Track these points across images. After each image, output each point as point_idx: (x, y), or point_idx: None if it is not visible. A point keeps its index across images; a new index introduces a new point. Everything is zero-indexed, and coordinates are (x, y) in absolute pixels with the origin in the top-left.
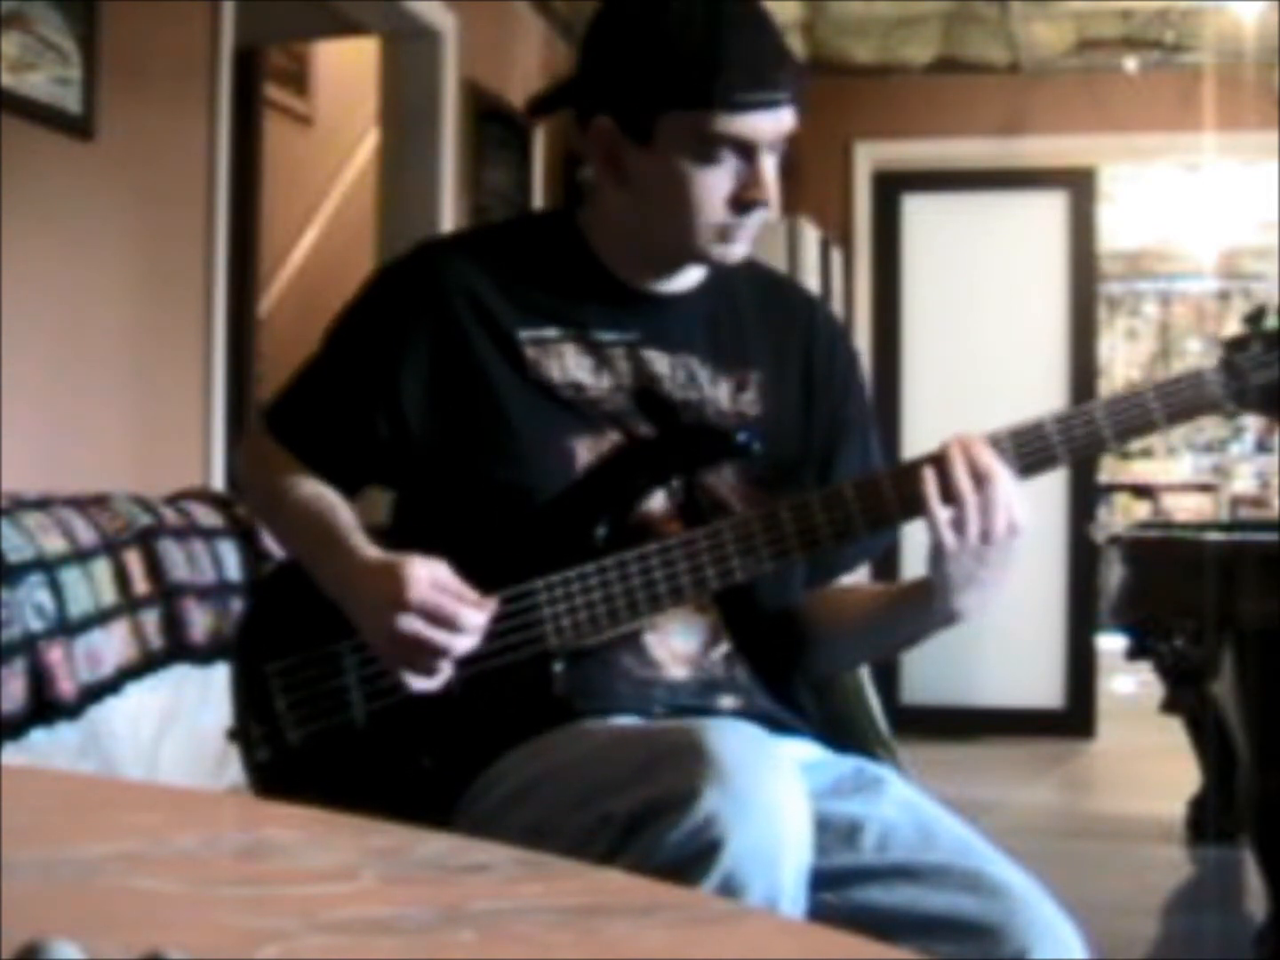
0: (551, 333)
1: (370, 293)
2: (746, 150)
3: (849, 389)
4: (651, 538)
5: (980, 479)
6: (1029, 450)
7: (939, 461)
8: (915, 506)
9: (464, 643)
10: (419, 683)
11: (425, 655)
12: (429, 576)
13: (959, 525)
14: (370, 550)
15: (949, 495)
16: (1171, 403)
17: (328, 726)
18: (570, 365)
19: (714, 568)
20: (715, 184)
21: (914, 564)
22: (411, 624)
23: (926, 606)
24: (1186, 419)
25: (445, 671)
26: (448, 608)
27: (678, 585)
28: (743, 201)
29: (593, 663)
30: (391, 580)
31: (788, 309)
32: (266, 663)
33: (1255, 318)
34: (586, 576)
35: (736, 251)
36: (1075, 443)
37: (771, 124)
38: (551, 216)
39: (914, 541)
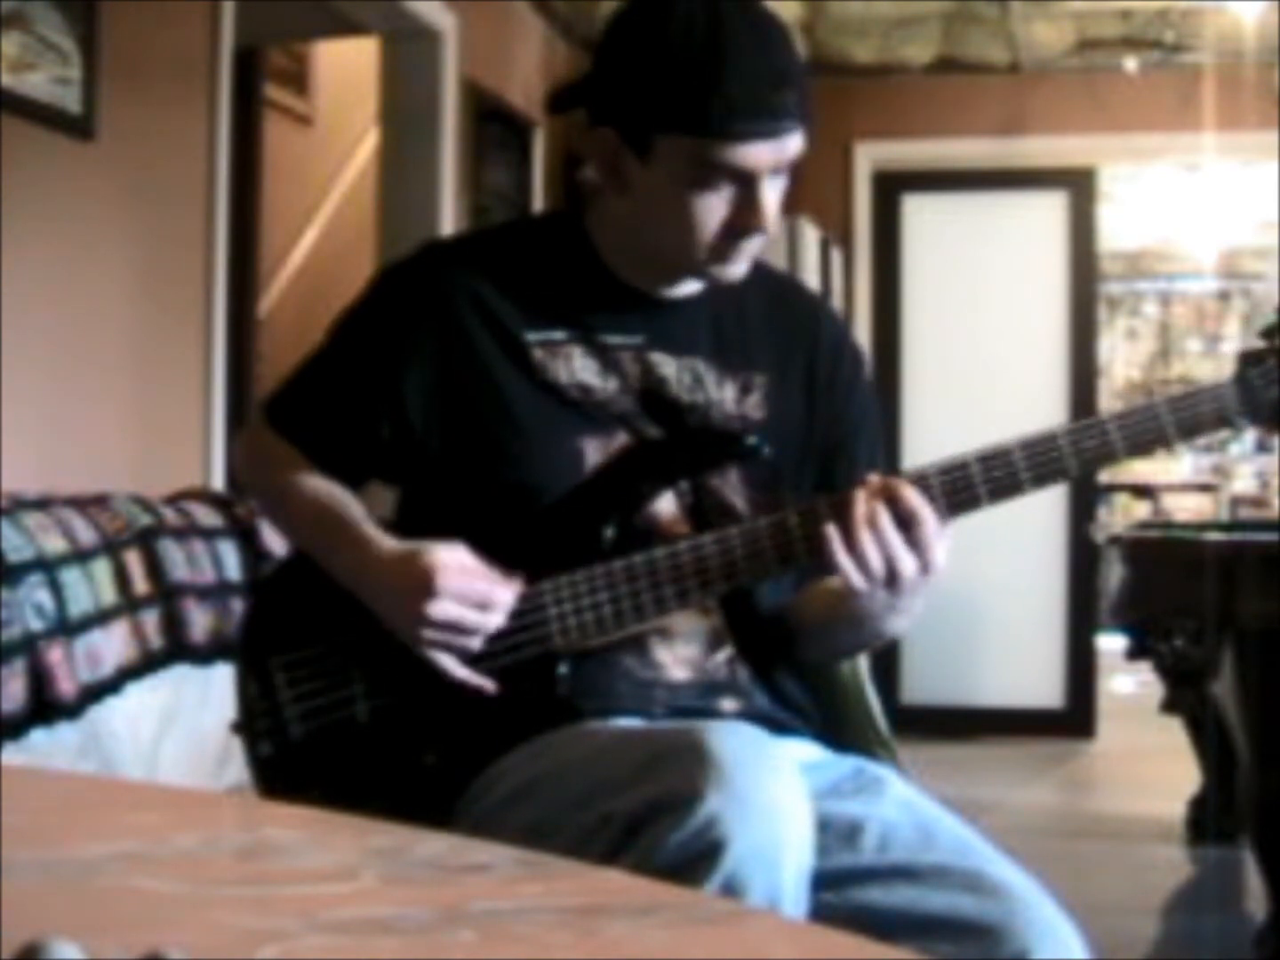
0: (559, 335)
1: (375, 293)
2: (745, 177)
3: (853, 393)
4: (659, 540)
5: (905, 523)
6: (1041, 461)
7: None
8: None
9: (496, 620)
10: (459, 669)
11: (462, 637)
12: (455, 561)
13: (865, 569)
14: (386, 541)
15: (853, 545)
16: (1184, 418)
17: (331, 722)
18: (577, 367)
19: (720, 572)
20: (711, 208)
21: None
22: (446, 609)
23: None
24: (1199, 434)
25: (475, 649)
26: (479, 588)
27: (684, 589)
28: (738, 228)
29: (595, 663)
30: (418, 568)
31: (793, 312)
32: (271, 657)
33: (1270, 332)
34: (594, 578)
35: (734, 271)
36: (1085, 454)
37: (772, 152)
38: (556, 218)
39: None
